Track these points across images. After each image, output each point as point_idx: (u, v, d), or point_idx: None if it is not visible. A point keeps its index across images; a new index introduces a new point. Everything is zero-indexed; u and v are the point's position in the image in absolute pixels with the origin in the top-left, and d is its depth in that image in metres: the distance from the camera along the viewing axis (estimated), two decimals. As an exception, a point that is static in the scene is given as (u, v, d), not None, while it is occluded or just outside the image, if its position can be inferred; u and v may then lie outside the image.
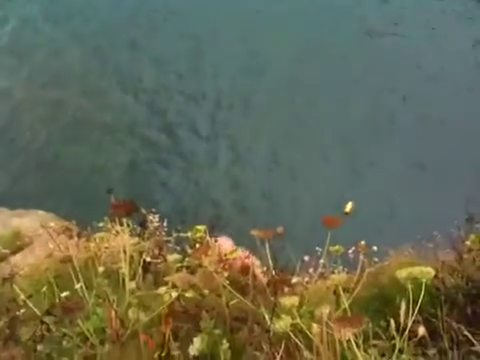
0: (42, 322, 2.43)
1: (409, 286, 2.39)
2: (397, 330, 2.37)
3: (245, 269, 3.95)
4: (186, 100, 8.52)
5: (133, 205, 2.74)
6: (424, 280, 2.32)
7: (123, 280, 2.94)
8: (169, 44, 9.39)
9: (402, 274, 2.44)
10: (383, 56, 9.23)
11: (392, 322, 2.24)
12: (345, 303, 2.57)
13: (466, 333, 2.27)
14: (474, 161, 7.41)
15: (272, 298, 2.74)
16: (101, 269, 3.07)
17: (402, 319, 2.21)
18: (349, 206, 6.71)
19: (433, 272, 2.30)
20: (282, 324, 2.34)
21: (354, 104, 8.46)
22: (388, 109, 8.42)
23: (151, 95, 8.57)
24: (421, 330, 2.20)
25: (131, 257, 3.32)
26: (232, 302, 3.09)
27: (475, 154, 7.69)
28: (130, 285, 2.69)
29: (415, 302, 2.35)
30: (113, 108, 8.36)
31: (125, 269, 2.91)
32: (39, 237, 5.49)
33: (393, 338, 2.32)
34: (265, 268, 3.39)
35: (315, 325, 2.49)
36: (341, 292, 2.60)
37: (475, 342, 2.22)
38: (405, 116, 8.32)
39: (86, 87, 8.62)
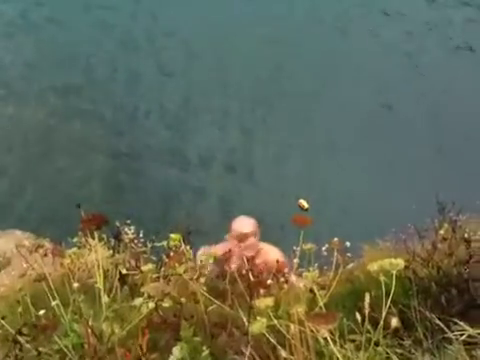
0: (15, 342, 2.39)
1: (381, 279, 2.43)
2: (372, 323, 2.40)
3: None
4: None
5: (103, 218, 2.73)
6: (394, 272, 2.34)
7: (99, 295, 2.92)
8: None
9: (373, 267, 2.46)
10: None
11: (366, 316, 2.25)
12: (320, 301, 2.58)
13: (438, 322, 2.30)
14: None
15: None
16: (76, 285, 3.04)
17: (367, 311, 2.23)
18: (304, 203, 6.81)
19: (402, 263, 2.33)
20: (258, 326, 2.34)
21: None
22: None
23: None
24: (394, 321, 2.23)
25: (106, 271, 3.31)
26: (210, 308, 3.09)
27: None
28: (104, 299, 2.66)
29: (388, 294, 2.38)
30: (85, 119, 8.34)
31: (100, 283, 2.90)
32: (16, 257, 5.43)
33: (369, 332, 2.34)
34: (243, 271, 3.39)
35: (292, 325, 2.50)
36: (316, 290, 2.61)
37: (446, 329, 2.25)
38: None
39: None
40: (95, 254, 3.20)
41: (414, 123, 8.18)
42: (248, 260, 4.24)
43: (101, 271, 2.89)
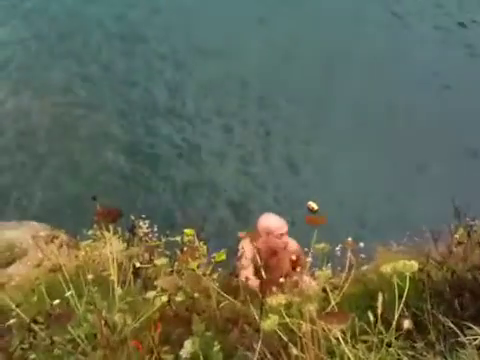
0: (29, 330, 2.43)
1: (394, 280, 2.42)
2: (384, 325, 2.39)
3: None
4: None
5: (118, 212, 2.75)
6: (408, 274, 2.34)
7: (113, 287, 2.95)
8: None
9: (387, 269, 2.46)
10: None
11: (379, 317, 2.25)
12: (332, 300, 2.58)
13: (450, 325, 2.29)
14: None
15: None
16: (90, 276, 3.08)
17: (380, 312, 2.23)
18: (314, 205, 6.81)
19: (416, 265, 2.32)
20: (269, 323, 2.35)
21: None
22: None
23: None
24: (406, 323, 2.22)
25: (120, 263, 3.34)
26: (222, 304, 3.11)
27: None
28: (118, 291, 2.69)
29: (401, 296, 2.37)
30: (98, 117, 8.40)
31: (114, 276, 2.93)
32: (32, 248, 5.50)
33: (381, 333, 2.34)
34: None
35: (304, 323, 2.51)
36: (328, 289, 2.61)
37: (459, 333, 2.24)
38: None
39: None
40: (110, 247, 3.24)
41: (433, 124, 8.11)
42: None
43: (115, 264, 2.92)
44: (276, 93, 8.82)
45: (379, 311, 2.24)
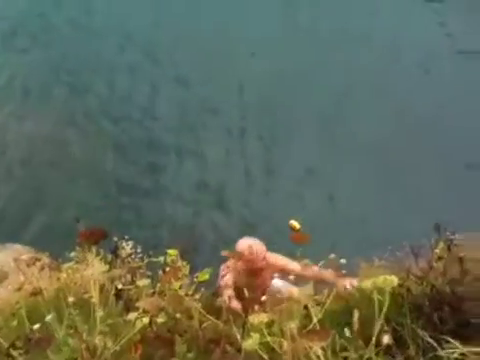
0: (8, 355, 2.40)
1: (375, 296, 2.44)
2: (365, 341, 2.40)
3: None
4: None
5: (101, 233, 2.75)
6: (387, 289, 2.36)
7: (94, 309, 2.93)
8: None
9: (367, 284, 2.48)
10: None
11: (356, 333, 2.26)
12: (314, 317, 2.59)
13: (428, 339, 2.31)
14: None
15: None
16: (71, 299, 3.05)
17: (356, 327, 2.24)
18: (295, 223, 6.84)
19: (396, 280, 2.34)
20: (250, 342, 2.35)
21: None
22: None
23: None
24: (386, 338, 2.24)
25: (102, 285, 3.33)
26: (205, 324, 3.10)
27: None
28: (98, 313, 2.67)
29: (381, 312, 2.39)
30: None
31: (95, 298, 2.91)
32: (14, 271, 5.44)
33: (361, 349, 2.35)
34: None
35: (285, 341, 2.51)
36: (309, 306, 2.62)
37: (438, 347, 2.26)
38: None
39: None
40: (91, 269, 3.22)
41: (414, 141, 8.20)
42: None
43: (96, 286, 2.90)
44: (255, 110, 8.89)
45: (355, 327, 2.25)
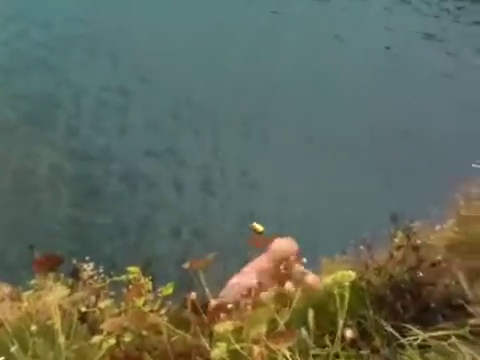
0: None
1: (336, 291, 2.47)
2: (331, 337, 2.43)
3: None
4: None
5: (57, 258, 2.70)
6: (347, 283, 2.39)
7: (58, 336, 2.87)
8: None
9: (327, 281, 2.51)
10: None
11: (311, 331, 2.29)
12: (279, 320, 2.60)
13: (390, 329, 2.35)
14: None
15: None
16: (34, 328, 2.99)
17: (311, 327, 2.27)
18: (258, 226, 6.88)
19: (353, 274, 2.38)
20: (217, 352, 2.35)
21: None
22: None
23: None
24: (348, 333, 2.26)
25: (65, 310, 3.26)
26: (173, 338, 3.07)
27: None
28: (61, 339, 2.62)
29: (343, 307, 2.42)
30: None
31: (57, 324, 2.85)
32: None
33: (327, 346, 2.37)
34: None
35: (255, 347, 2.51)
36: (273, 309, 2.63)
37: (398, 336, 2.30)
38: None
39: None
40: (52, 295, 3.15)
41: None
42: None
43: (58, 311, 2.84)
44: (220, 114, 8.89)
45: (311, 326, 2.27)
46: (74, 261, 3.81)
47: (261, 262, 4.55)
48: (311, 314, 2.36)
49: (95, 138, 8.64)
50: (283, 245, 4.80)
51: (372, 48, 10.04)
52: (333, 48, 9.96)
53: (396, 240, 3.73)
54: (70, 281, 3.66)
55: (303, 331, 2.30)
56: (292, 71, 9.33)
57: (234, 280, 4.62)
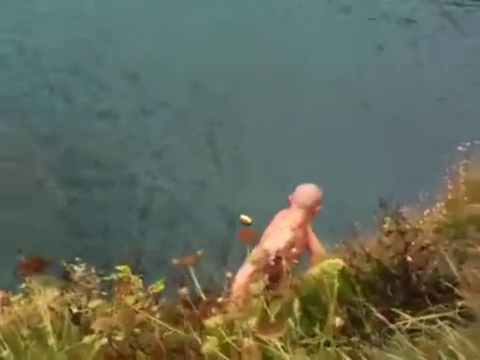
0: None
1: (325, 280, 2.47)
2: (322, 326, 2.43)
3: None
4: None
5: (42, 261, 2.69)
6: (335, 272, 2.39)
7: (49, 338, 2.86)
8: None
9: (316, 270, 2.51)
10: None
11: (298, 320, 2.29)
12: (269, 311, 2.60)
13: (379, 315, 2.36)
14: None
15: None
16: (26, 332, 2.98)
17: (297, 317, 2.27)
18: (246, 218, 6.86)
19: (341, 262, 2.38)
20: (208, 346, 2.35)
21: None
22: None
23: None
24: (337, 321, 2.27)
25: (57, 312, 3.25)
26: (165, 334, 3.07)
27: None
28: (51, 341, 2.61)
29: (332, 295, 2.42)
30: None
31: (48, 326, 2.85)
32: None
33: (317, 334, 2.38)
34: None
35: (246, 339, 2.51)
36: (263, 301, 2.63)
37: (387, 321, 2.31)
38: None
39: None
40: (43, 297, 3.14)
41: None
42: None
43: (47, 314, 2.84)
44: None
45: (297, 316, 2.28)
46: (64, 263, 3.80)
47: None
48: (297, 304, 2.36)
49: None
50: (308, 192, 4.82)
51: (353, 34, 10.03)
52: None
53: (385, 226, 3.73)
54: (61, 283, 3.64)
55: (290, 321, 2.29)
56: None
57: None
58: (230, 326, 2.74)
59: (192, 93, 8.99)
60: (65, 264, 3.78)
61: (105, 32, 9.87)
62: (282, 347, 2.31)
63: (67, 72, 9.38)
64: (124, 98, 8.98)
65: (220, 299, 3.14)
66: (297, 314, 2.30)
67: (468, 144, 5.07)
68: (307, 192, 4.82)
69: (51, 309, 3.22)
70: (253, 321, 2.58)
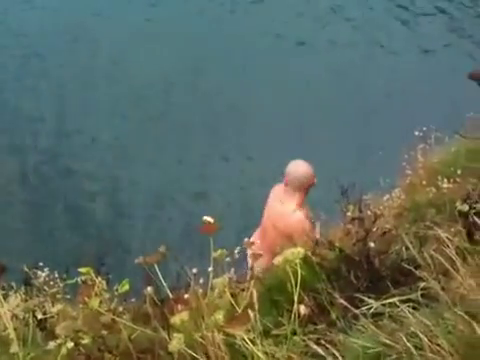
0: None
1: (288, 269, 2.49)
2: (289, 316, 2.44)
3: None
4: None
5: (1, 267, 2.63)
6: (298, 261, 2.40)
7: (13, 346, 2.80)
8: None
9: (278, 260, 2.52)
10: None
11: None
12: (235, 305, 2.60)
13: (342, 301, 2.38)
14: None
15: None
16: (-12, 340, 2.91)
17: (255, 308, 2.27)
18: (209, 219, 6.84)
19: (303, 251, 2.39)
20: (175, 343, 2.33)
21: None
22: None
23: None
24: (302, 309, 2.28)
25: (22, 319, 3.19)
26: (134, 335, 3.04)
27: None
28: (14, 349, 2.56)
29: (302, 284, 2.44)
30: None
31: (12, 333, 2.78)
32: None
33: (283, 324, 2.39)
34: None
35: (211, 333, 2.51)
36: (228, 294, 2.63)
37: (350, 307, 2.34)
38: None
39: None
40: (5, 304, 3.07)
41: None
42: None
43: (10, 321, 2.78)
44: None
45: (256, 307, 2.29)
46: (25, 268, 3.73)
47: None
48: (255, 295, 2.36)
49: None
50: (302, 173, 4.69)
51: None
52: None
53: (348, 214, 3.78)
54: (23, 289, 3.57)
55: (250, 313, 2.29)
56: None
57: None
58: (196, 322, 2.73)
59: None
60: (26, 269, 3.72)
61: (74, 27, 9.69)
62: (249, 339, 2.31)
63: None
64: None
65: (186, 295, 3.13)
66: (256, 305, 2.29)
67: (424, 129, 5.16)
68: (301, 174, 4.72)
69: (14, 316, 3.15)
70: (220, 315, 2.58)
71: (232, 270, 3.38)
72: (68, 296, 3.66)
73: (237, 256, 3.30)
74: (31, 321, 3.18)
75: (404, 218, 3.38)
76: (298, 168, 4.72)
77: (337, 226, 3.94)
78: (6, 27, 9.80)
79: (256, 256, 3.28)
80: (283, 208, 4.71)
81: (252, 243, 3.51)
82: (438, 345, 2.00)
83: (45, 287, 3.68)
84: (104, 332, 2.94)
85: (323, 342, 2.25)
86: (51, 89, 9.04)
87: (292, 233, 4.12)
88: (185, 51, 9.45)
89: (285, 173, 4.74)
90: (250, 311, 2.49)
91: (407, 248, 2.75)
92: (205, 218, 7.28)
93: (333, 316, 2.47)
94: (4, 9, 10.12)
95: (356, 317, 2.35)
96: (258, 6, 10.28)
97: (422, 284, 2.41)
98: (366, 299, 2.31)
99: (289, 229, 4.41)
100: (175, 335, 2.38)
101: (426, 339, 1.99)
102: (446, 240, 2.50)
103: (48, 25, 9.76)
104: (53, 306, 3.53)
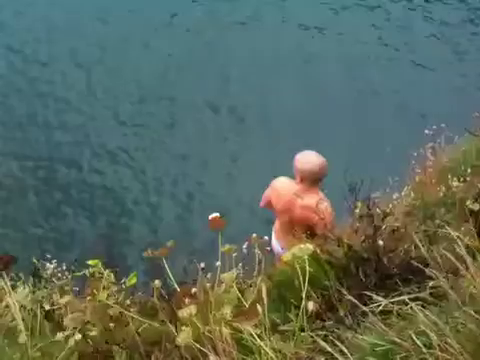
0: None
1: (297, 266, 2.48)
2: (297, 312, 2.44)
3: None
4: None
5: (8, 258, 2.65)
6: (306, 257, 2.40)
7: (22, 336, 2.82)
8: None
9: (287, 256, 2.52)
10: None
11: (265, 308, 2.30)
12: (243, 300, 2.60)
13: (351, 298, 2.38)
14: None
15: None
16: (-4, 330, 2.93)
17: (264, 303, 2.27)
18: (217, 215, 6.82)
19: (311, 247, 2.39)
20: (183, 336, 2.34)
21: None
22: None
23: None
24: (310, 305, 2.28)
25: (30, 310, 3.20)
26: (141, 328, 3.05)
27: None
28: (22, 339, 2.57)
29: (310, 280, 2.44)
30: None
31: (20, 324, 2.80)
32: None
33: (291, 320, 2.39)
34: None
35: (219, 328, 2.51)
36: (236, 289, 2.64)
37: (359, 304, 2.33)
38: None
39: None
40: (14, 295, 3.09)
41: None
42: None
43: (18, 312, 2.80)
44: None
45: (264, 303, 2.29)
46: (34, 259, 3.75)
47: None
48: (264, 290, 2.36)
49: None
50: (315, 164, 4.59)
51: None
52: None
53: (357, 211, 3.76)
54: (31, 280, 3.59)
55: (258, 308, 2.29)
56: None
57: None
58: (205, 316, 2.73)
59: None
60: (35, 261, 3.74)
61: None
62: (257, 334, 2.31)
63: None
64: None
65: (194, 289, 3.14)
66: (265, 300, 2.29)
67: (434, 127, 5.13)
68: (315, 166, 4.63)
69: (23, 307, 3.17)
70: (228, 310, 2.58)
71: (240, 265, 3.39)
72: (76, 288, 3.67)
73: (244, 251, 3.30)
74: (39, 312, 3.20)
75: (413, 216, 3.36)
76: (309, 162, 4.63)
77: (345, 223, 3.93)
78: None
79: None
80: (304, 202, 4.64)
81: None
82: (447, 343, 1.99)
83: (53, 279, 3.70)
84: (111, 325, 2.96)
85: (331, 339, 2.25)
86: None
87: (323, 222, 4.04)
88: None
89: (296, 170, 4.67)
90: (258, 306, 2.50)
91: (416, 246, 2.73)
92: (213, 215, 7.31)
93: (341, 313, 2.47)
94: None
95: (364, 314, 2.34)
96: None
97: (431, 282, 2.40)
98: (375, 296, 2.30)
99: (318, 219, 4.32)
100: (183, 328, 2.38)
101: (435, 337, 1.98)
102: (456, 239, 2.48)
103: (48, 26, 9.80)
104: (61, 297, 3.55)
